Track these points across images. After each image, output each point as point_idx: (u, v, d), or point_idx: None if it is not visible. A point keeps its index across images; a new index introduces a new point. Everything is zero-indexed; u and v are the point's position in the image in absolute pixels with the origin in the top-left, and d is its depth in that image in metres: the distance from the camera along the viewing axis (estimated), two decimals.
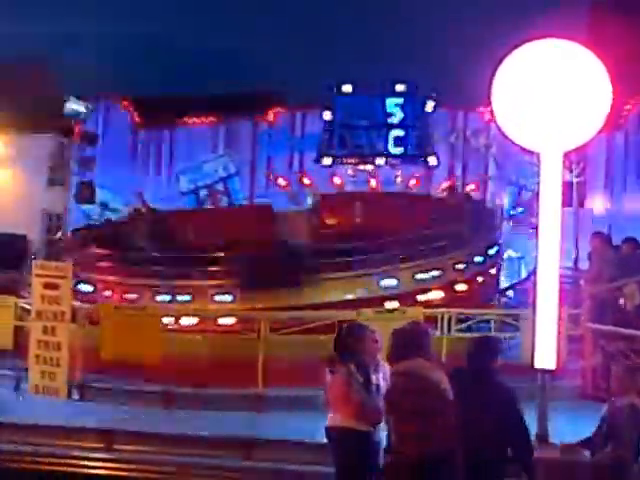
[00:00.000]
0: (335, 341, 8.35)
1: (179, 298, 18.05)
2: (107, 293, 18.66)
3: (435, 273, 18.66)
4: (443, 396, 6.96)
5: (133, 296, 18.31)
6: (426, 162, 25.32)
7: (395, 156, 25.56)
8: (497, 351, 8.01)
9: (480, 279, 19.33)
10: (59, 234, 24.17)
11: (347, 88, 25.94)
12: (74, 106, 25.15)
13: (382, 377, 8.02)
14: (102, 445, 11.17)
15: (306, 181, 25.92)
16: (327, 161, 25.98)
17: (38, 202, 27.75)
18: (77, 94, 26.73)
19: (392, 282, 18.31)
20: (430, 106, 25.27)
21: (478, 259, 19.32)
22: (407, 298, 17.75)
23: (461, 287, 18.80)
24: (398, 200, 23.11)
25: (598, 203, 23.44)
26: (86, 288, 18.55)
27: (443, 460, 6.80)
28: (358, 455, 7.95)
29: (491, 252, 19.75)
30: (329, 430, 8.11)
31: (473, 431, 7.27)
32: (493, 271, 19.89)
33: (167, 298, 18.09)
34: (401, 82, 25.58)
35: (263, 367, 13.49)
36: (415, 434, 6.80)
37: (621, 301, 14.16)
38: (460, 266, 18.92)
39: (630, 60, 21.63)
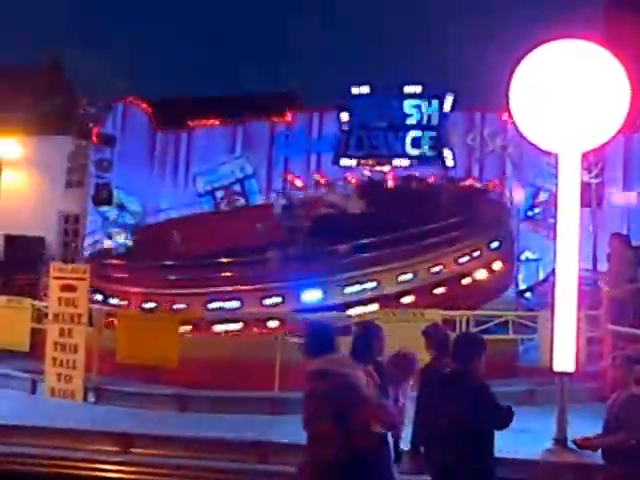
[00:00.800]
0: (354, 341, 8.25)
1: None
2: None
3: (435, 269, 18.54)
4: (360, 394, 6.67)
5: (182, 306, 18.07)
6: (443, 163, 25.20)
7: (412, 157, 25.45)
8: (483, 349, 7.87)
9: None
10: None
11: (364, 89, 25.88)
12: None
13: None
14: (118, 448, 11.13)
15: (323, 182, 25.84)
16: (344, 162, 25.90)
17: (55, 204, 27.80)
18: (95, 97, 26.79)
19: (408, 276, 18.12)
20: (447, 107, 25.16)
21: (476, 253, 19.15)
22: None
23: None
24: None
25: (616, 204, 23.24)
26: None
27: (361, 460, 6.55)
28: (376, 456, 7.88)
29: (493, 246, 19.50)
30: None
31: (449, 430, 7.32)
32: (496, 266, 19.53)
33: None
34: (418, 83, 25.52)
35: (280, 370, 13.42)
36: (331, 434, 6.55)
37: None
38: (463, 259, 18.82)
39: None
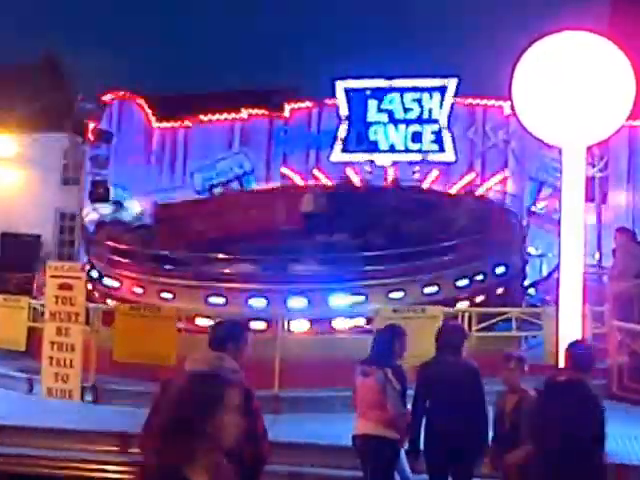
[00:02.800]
0: (376, 344, 8.20)
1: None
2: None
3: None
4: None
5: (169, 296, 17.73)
6: (444, 158, 25.18)
7: (413, 151, 25.42)
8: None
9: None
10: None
11: (364, 83, 25.85)
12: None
13: None
14: (116, 448, 11.12)
15: (322, 178, 25.81)
16: (344, 157, 25.86)
17: (52, 201, 27.82)
18: (91, 93, 26.76)
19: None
20: (449, 101, 25.13)
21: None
22: None
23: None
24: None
25: (621, 198, 23.23)
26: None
27: None
28: (390, 463, 7.87)
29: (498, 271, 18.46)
30: (359, 438, 7.97)
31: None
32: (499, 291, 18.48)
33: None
34: (419, 77, 25.48)
35: (280, 368, 13.40)
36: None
37: None
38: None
39: None
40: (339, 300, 16.54)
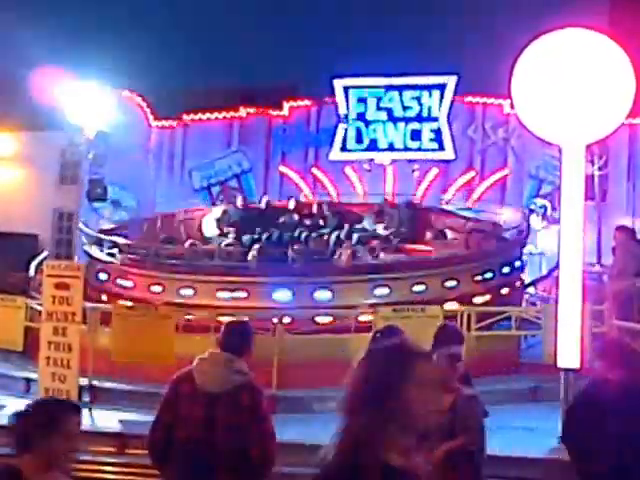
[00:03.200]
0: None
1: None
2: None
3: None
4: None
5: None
6: (444, 156, 25.17)
7: (412, 150, 25.39)
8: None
9: None
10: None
11: (363, 81, 25.83)
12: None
13: None
14: (114, 449, 11.09)
15: (321, 177, 25.80)
16: (343, 156, 25.84)
17: (49, 201, 27.76)
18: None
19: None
20: (448, 99, 25.09)
21: None
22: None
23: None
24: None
25: (621, 196, 23.21)
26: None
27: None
28: None
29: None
30: None
31: None
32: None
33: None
34: (418, 75, 25.43)
35: (278, 368, 13.37)
36: None
37: None
38: None
39: None
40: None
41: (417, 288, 17.27)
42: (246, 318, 8.03)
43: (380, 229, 20.60)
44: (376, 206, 22.13)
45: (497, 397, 12.59)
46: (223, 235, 21.24)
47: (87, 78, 22.99)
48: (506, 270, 18.45)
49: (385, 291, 17.16)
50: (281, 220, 21.55)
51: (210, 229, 22.14)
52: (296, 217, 21.76)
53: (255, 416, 5.35)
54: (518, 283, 19.17)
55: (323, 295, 17.16)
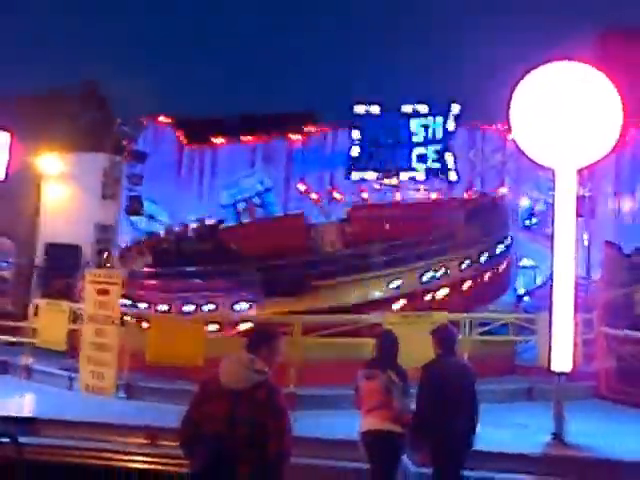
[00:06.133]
0: (380, 349, 8.10)
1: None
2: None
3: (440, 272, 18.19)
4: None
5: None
6: (447, 177, 25.11)
7: (418, 171, 25.35)
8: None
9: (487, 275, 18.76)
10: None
11: (374, 109, 25.84)
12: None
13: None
14: (147, 441, 11.01)
15: (336, 195, 25.77)
16: (356, 176, 25.83)
17: (91, 215, 27.80)
18: (127, 116, 26.82)
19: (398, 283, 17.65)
20: (451, 126, 25.05)
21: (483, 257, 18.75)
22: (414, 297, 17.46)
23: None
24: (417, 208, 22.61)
25: (608, 215, 23.07)
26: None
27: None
28: (396, 455, 7.78)
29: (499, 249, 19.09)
30: (367, 434, 7.87)
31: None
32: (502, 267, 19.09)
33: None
34: (424, 103, 25.44)
35: (295, 367, 13.27)
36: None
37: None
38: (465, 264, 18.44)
39: (636, 85, 21.28)
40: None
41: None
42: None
43: None
44: None
45: (495, 396, 12.48)
46: None
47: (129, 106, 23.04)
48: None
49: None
50: None
51: None
52: None
53: (272, 412, 5.29)
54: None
55: None
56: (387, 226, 21.49)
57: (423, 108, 25.43)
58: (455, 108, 25.04)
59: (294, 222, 22.67)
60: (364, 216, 22.68)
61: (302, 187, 26.36)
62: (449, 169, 25.05)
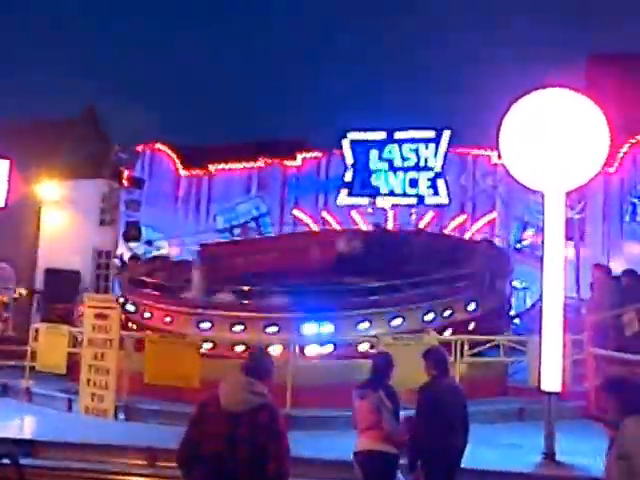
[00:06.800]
0: (374, 369, 8.13)
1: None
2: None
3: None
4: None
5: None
6: (439, 200, 25.20)
7: (410, 195, 25.44)
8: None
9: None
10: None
11: (367, 136, 25.98)
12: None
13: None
14: (145, 462, 11.00)
15: (330, 219, 25.82)
16: (349, 201, 25.91)
17: (90, 240, 27.86)
18: (125, 143, 26.91)
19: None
20: (442, 150, 25.17)
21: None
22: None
23: None
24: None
25: (597, 237, 23.14)
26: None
27: None
28: (389, 475, 7.79)
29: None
30: (360, 454, 7.88)
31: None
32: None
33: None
34: (416, 129, 25.57)
35: (291, 389, 13.27)
36: None
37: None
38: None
39: (623, 108, 21.48)
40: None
41: None
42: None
43: None
44: None
45: (487, 417, 12.50)
46: None
47: (127, 134, 23.15)
48: None
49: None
50: None
51: None
52: None
53: (272, 434, 5.31)
54: None
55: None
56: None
57: (415, 134, 25.54)
58: (446, 134, 25.17)
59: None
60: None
61: (297, 212, 26.42)
62: (440, 194, 25.14)
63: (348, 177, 25.99)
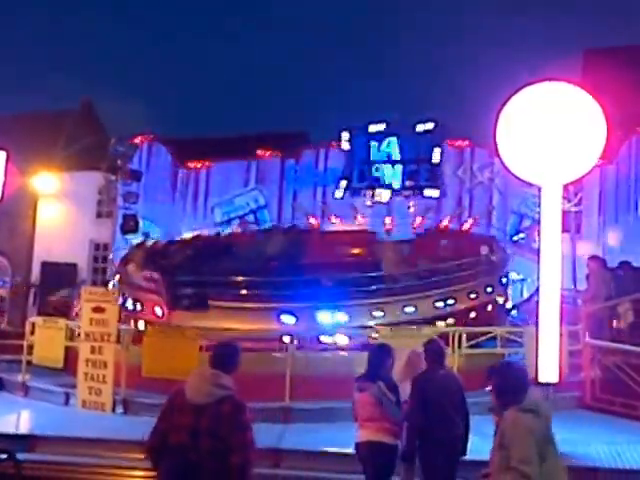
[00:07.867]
0: (369, 361, 8.18)
1: None
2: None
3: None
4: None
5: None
6: (437, 193, 25.21)
7: (408, 188, 25.45)
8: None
9: None
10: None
11: (367, 128, 25.98)
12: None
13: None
14: (144, 456, 11.01)
15: (328, 212, 25.83)
16: (347, 194, 25.91)
17: (87, 233, 27.83)
18: (122, 136, 26.86)
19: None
20: (440, 144, 25.19)
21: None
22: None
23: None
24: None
25: (593, 229, 23.18)
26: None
27: None
28: (390, 466, 7.85)
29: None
30: (362, 445, 7.94)
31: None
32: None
33: None
34: (415, 122, 25.58)
35: (290, 382, 13.32)
36: None
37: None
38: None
39: (620, 102, 21.48)
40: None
41: None
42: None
43: None
44: None
45: (484, 408, 12.51)
46: None
47: (124, 126, 23.09)
48: None
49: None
50: None
51: None
52: None
53: (235, 426, 5.37)
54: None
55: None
56: None
57: (411, 126, 25.54)
58: (444, 128, 25.17)
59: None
60: None
61: (295, 204, 26.42)
62: (438, 186, 25.16)
63: (347, 170, 25.99)
